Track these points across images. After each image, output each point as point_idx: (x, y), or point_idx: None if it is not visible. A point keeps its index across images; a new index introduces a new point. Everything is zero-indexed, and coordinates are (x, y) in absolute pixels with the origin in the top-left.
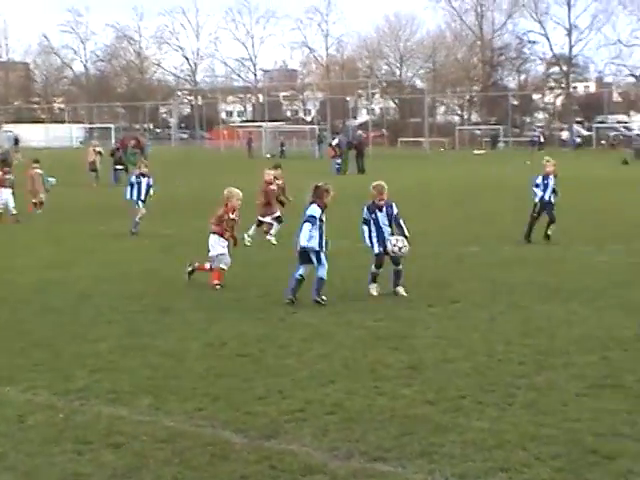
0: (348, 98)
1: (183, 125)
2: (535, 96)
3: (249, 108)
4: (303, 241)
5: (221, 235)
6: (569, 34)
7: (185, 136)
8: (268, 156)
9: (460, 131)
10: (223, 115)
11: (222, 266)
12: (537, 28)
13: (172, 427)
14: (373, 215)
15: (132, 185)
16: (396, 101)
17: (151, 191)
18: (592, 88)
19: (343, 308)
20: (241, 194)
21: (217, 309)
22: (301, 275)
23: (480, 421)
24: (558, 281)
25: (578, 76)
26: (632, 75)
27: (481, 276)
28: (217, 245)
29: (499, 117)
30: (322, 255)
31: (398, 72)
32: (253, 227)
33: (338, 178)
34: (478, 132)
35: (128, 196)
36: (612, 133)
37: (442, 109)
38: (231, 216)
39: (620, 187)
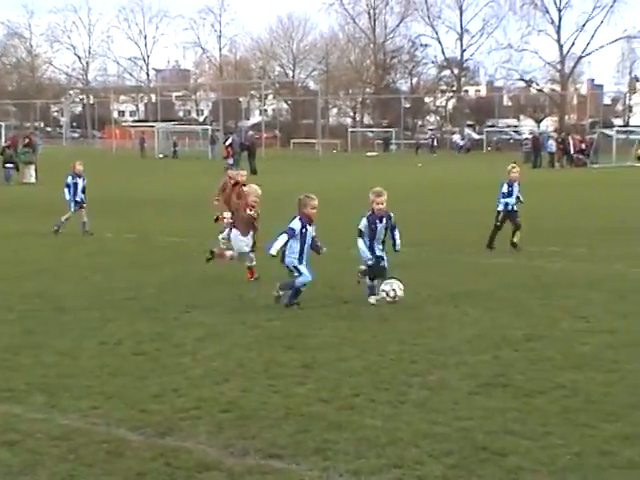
0: (241, 99)
1: (75, 124)
2: (427, 99)
3: (142, 108)
4: (273, 251)
5: (239, 231)
6: (460, 38)
7: (77, 135)
8: (160, 156)
9: (353, 133)
10: (115, 114)
11: (247, 263)
12: (429, 32)
13: (67, 425)
14: (373, 226)
15: (69, 186)
16: (289, 102)
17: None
18: (483, 92)
19: (238, 307)
20: (259, 191)
21: (112, 308)
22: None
23: (374, 419)
24: (450, 282)
25: (469, 80)
26: (522, 79)
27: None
28: (237, 241)
29: (391, 119)
30: (302, 268)
31: (291, 73)
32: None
33: None
34: (370, 134)
35: (67, 197)
36: (495, 137)
37: (335, 111)
38: (249, 212)
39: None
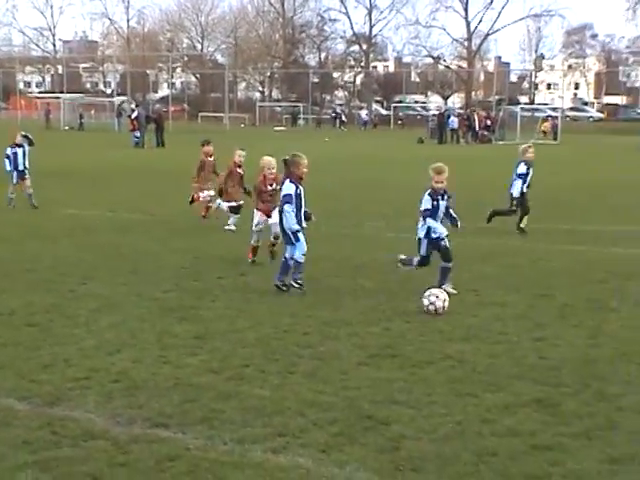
0: (149, 72)
1: None
2: (335, 74)
3: (48, 79)
4: (295, 226)
5: (259, 209)
6: (369, 13)
7: None
8: (66, 128)
9: (261, 107)
10: (21, 85)
11: (252, 243)
12: (338, 6)
13: None
14: (435, 203)
15: (8, 157)
16: (197, 76)
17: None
18: (391, 68)
19: (135, 280)
20: (274, 162)
21: (6, 279)
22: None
23: (262, 389)
24: (349, 255)
25: (378, 55)
26: (430, 56)
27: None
28: (275, 225)
29: (300, 94)
30: (300, 234)
31: (200, 47)
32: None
33: (137, 151)
34: (279, 109)
35: (8, 168)
36: (401, 113)
37: (243, 85)
38: (269, 188)
39: (416, 165)
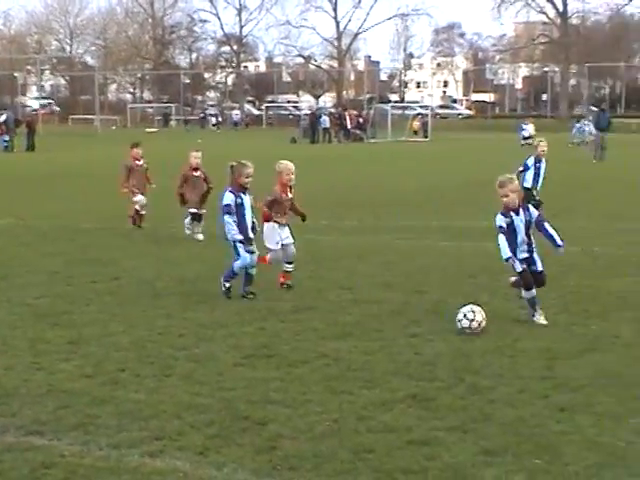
0: (17, 74)
1: None
2: (207, 75)
3: None
4: (230, 234)
5: (273, 221)
6: (239, 14)
7: None
8: None
9: (132, 109)
10: None
11: (285, 268)
12: (208, 7)
13: None
14: (509, 220)
15: None
16: (67, 78)
17: None
18: (262, 68)
19: (4, 285)
20: (293, 167)
21: None
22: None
23: (138, 393)
24: (218, 256)
25: (249, 56)
26: (301, 56)
27: (146, 252)
28: (269, 236)
29: (171, 95)
30: (240, 246)
31: (69, 49)
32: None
33: (6, 155)
34: (150, 110)
35: None
36: (272, 112)
37: (114, 87)
38: (289, 196)
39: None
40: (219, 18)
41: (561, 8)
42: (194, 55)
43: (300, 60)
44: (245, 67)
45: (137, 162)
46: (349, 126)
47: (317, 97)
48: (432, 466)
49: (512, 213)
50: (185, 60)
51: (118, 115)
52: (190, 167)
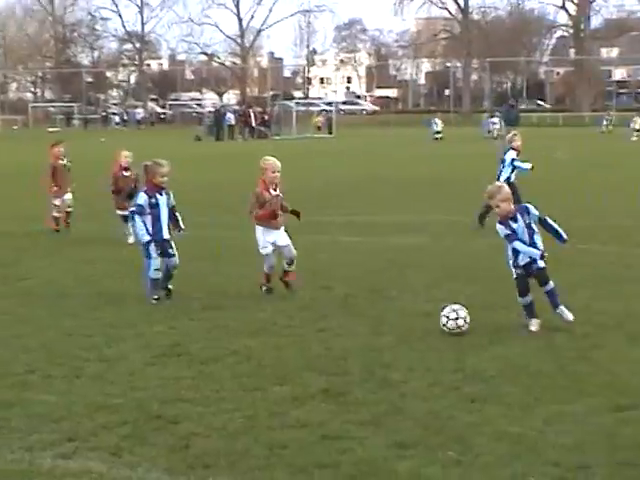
0: None
1: None
2: (109, 73)
3: None
4: (138, 235)
5: (257, 224)
6: (141, 11)
7: None
8: None
9: (34, 108)
10: None
11: (265, 269)
12: (109, 4)
13: None
14: (510, 229)
15: None
16: None
17: None
18: (165, 66)
19: None
20: (279, 164)
21: None
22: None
23: (48, 394)
24: (133, 257)
25: (151, 53)
26: (204, 53)
27: (55, 253)
28: (257, 241)
29: (73, 94)
30: (153, 249)
31: None
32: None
33: None
34: (52, 109)
35: None
36: (172, 110)
37: (14, 86)
38: (272, 193)
39: (195, 163)
40: (120, 16)
41: (462, 3)
42: (96, 53)
43: (203, 57)
44: (148, 65)
45: (59, 161)
46: (254, 123)
47: (221, 95)
48: (345, 460)
49: (510, 222)
50: (87, 58)
51: (19, 115)
52: (120, 167)
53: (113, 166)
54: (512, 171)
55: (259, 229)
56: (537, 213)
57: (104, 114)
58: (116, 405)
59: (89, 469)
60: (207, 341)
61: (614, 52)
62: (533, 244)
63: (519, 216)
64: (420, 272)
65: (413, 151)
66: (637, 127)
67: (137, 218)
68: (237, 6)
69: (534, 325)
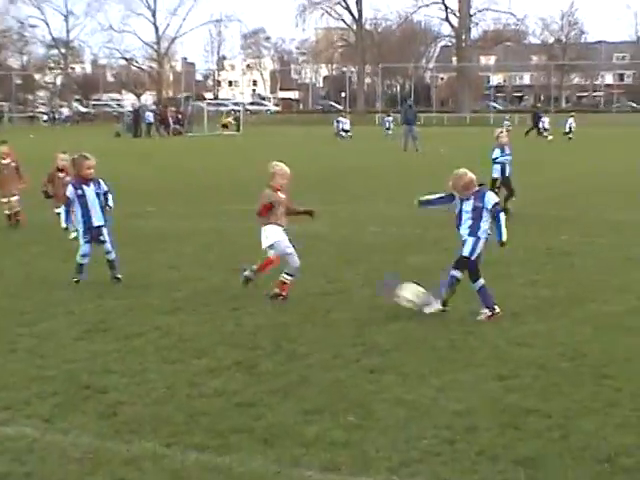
0: None
1: None
2: (37, 76)
3: None
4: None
5: (275, 223)
6: (66, 20)
7: None
8: None
9: None
10: None
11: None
12: (38, 13)
13: None
14: (458, 209)
15: None
16: None
17: None
18: (89, 69)
19: None
20: (289, 172)
21: None
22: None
23: None
24: (55, 238)
25: (76, 58)
26: (123, 58)
27: None
28: (272, 232)
29: (4, 95)
30: (81, 235)
31: None
32: None
33: None
34: None
35: None
36: (94, 110)
37: None
38: (282, 196)
39: (115, 155)
40: (47, 24)
41: (357, 15)
42: (25, 58)
43: (123, 62)
44: (72, 69)
45: (2, 161)
46: (170, 122)
47: (139, 95)
48: (258, 425)
49: (462, 201)
50: (16, 62)
51: None
52: (57, 168)
53: (52, 166)
54: (501, 167)
55: (277, 229)
56: (491, 203)
57: (32, 113)
58: (48, 376)
59: (25, 434)
60: (131, 318)
61: (492, 60)
62: (477, 227)
63: (472, 199)
64: (319, 257)
65: (312, 146)
66: (547, 126)
67: (62, 208)
68: (154, 15)
69: (434, 308)
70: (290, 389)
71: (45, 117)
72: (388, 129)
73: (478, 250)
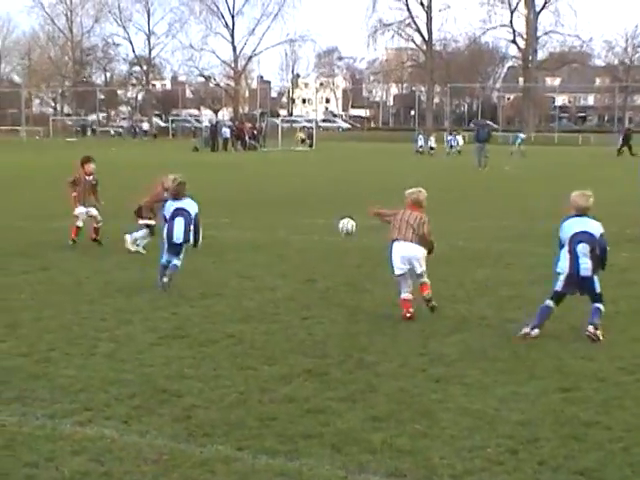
0: None
1: None
2: (119, 92)
3: None
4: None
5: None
6: (148, 39)
7: None
8: None
9: (54, 121)
10: None
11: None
12: (121, 32)
13: None
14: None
15: None
16: None
17: None
18: (169, 86)
19: None
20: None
21: None
22: None
23: (67, 369)
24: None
25: (156, 75)
26: (202, 75)
27: (70, 246)
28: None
29: (88, 109)
30: None
31: None
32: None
33: None
34: (70, 122)
35: None
36: (174, 125)
37: (37, 101)
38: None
39: (193, 168)
40: (131, 42)
41: (426, 36)
42: (108, 74)
43: (201, 79)
44: (153, 85)
45: (88, 177)
46: (245, 137)
47: (216, 111)
48: (327, 431)
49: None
50: (100, 78)
51: (41, 126)
52: (162, 185)
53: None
54: None
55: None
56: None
57: (114, 127)
58: (127, 380)
59: (104, 435)
60: (205, 325)
61: (557, 81)
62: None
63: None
64: (387, 270)
65: (381, 162)
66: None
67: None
68: (232, 35)
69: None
70: (358, 397)
71: (126, 131)
72: (452, 147)
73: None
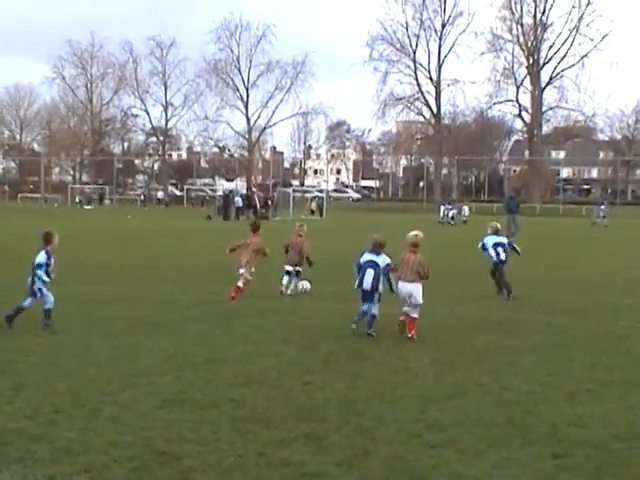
0: None
1: None
2: (137, 161)
3: None
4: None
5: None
6: (165, 110)
7: None
8: None
9: (72, 189)
10: None
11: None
12: (139, 104)
13: None
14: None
15: None
16: (16, 162)
17: None
18: (184, 155)
19: None
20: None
21: None
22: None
23: (70, 432)
24: (144, 314)
25: (172, 145)
26: (217, 146)
27: (79, 312)
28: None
29: (106, 178)
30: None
31: (18, 137)
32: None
33: None
34: (88, 190)
35: None
36: (193, 194)
37: (57, 170)
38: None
39: (205, 236)
40: (148, 113)
41: (435, 110)
42: (126, 144)
43: (216, 150)
44: (169, 155)
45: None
46: (258, 206)
47: (230, 181)
48: None
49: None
50: (118, 148)
51: (60, 194)
52: (296, 234)
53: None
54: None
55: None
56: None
57: (130, 196)
58: (127, 442)
59: None
60: (208, 389)
61: (561, 154)
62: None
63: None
64: (390, 335)
65: (390, 232)
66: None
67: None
68: (246, 107)
69: None
70: (354, 461)
71: (140, 199)
72: (453, 218)
73: None
